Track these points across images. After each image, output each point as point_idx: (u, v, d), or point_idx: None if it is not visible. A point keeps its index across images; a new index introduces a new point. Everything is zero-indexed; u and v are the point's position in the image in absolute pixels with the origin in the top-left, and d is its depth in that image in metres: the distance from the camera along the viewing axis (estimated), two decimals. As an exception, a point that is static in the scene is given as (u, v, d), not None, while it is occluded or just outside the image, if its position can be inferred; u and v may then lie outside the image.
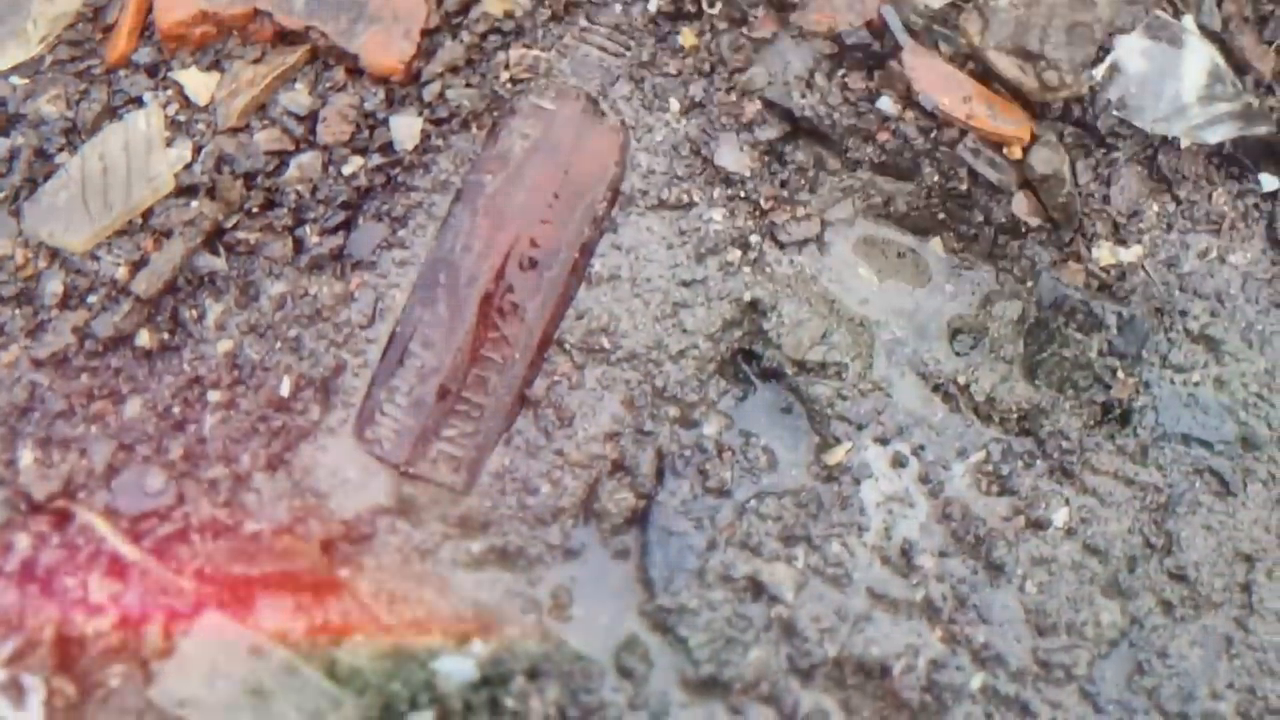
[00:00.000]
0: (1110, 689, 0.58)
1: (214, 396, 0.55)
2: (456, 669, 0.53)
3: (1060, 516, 0.59)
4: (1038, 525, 0.59)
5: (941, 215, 0.61)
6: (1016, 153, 0.57)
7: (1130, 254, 0.59)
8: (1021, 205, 0.58)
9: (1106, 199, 0.59)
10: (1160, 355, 0.60)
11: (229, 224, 0.56)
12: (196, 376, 0.55)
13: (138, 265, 0.55)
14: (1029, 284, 0.60)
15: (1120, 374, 0.58)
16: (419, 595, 0.55)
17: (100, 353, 0.55)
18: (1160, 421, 0.60)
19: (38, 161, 0.57)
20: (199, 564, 0.52)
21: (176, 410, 0.55)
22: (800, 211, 0.61)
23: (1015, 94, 0.58)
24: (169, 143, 0.57)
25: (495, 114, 0.58)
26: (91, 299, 0.55)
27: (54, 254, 0.55)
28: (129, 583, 0.52)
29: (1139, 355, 0.59)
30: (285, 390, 0.55)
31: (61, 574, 0.51)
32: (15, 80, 0.59)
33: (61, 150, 0.58)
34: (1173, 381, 0.60)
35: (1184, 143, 0.59)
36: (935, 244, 0.62)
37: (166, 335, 0.56)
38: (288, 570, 0.51)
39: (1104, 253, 0.58)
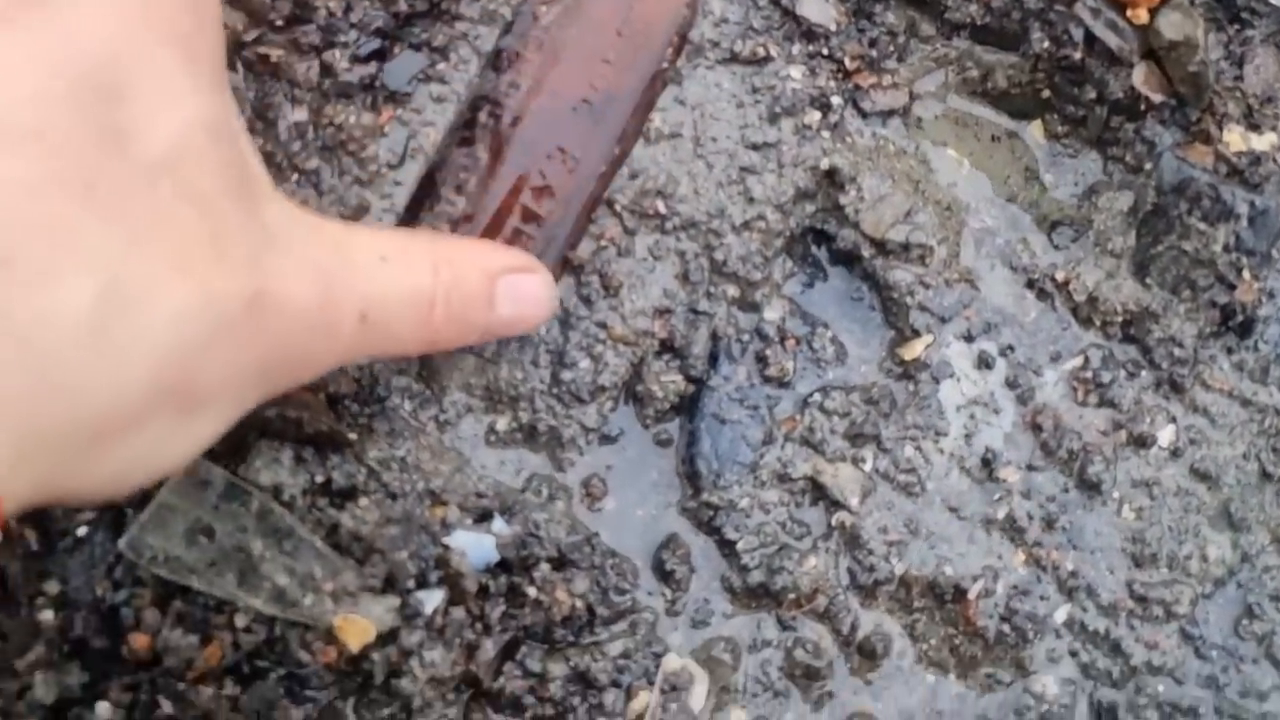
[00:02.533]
0: (1214, 632, 0.50)
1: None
2: (474, 547, 0.45)
3: (1166, 435, 0.51)
4: (1140, 443, 0.51)
5: (1046, 93, 0.53)
6: (1142, 16, 0.49)
7: (1263, 142, 0.51)
8: (1143, 78, 0.50)
9: (1239, 79, 0.51)
10: (1289, 261, 0.52)
11: (249, 37, 0.49)
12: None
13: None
14: (1146, 168, 0.52)
15: (1246, 274, 0.50)
16: (434, 468, 0.47)
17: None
18: (1285, 336, 0.52)
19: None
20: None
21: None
22: (887, 80, 0.53)
23: (1144, -50, 0.50)
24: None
25: (555, -62, 0.51)
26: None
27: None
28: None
29: (1268, 255, 0.51)
30: (299, 224, 0.48)
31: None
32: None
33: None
34: (1301, 292, 0.52)
35: (1328, 23, 0.52)
36: (1034, 128, 0.54)
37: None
38: (289, 418, 0.44)
39: (1235, 137, 0.50)
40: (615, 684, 0.46)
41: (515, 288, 0.41)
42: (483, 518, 0.46)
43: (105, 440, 0.29)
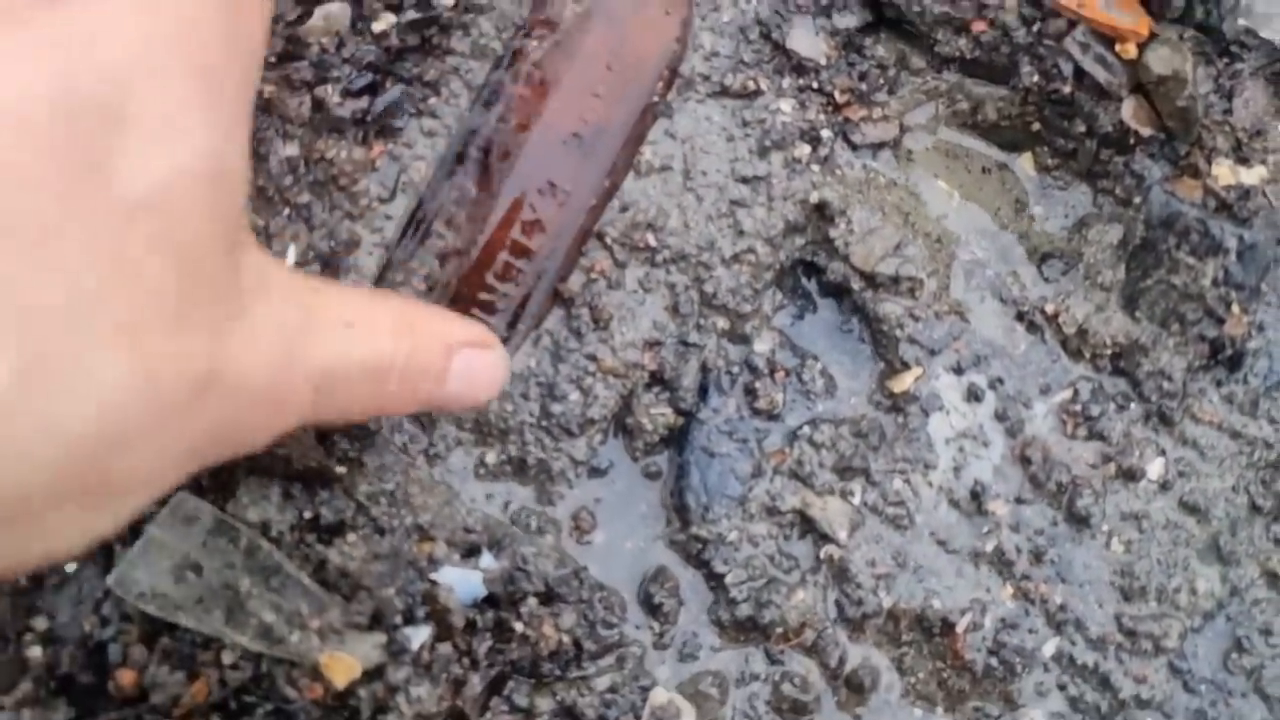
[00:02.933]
0: (1203, 666, 0.50)
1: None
2: (461, 583, 0.45)
3: (1155, 468, 0.51)
4: (1129, 476, 0.51)
5: (1036, 126, 0.53)
6: (1131, 51, 0.49)
7: (1252, 176, 0.51)
8: (1132, 111, 0.50)
9: (1228, 112, 0.51)
10: (1279, 295, 0.52)
11: (241, 73, 0.49)
12: (192, 239, 0.48)
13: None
14: (1135, 201, 0.52)
15: (1235, 308, 0.50)
16: (423, 502, 0.47)
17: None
18: (1275, 369, 0.51)
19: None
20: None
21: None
22: (877, 113, 0.53)
23: (1132, -16, 0.50)
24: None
25: (546, -27, 0.51)
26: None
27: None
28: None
29: (1257, 289, 0.50)
30: (291, 259, 0.48)
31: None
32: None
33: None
34: (1290, 325, 0.52)
35: (1317, 57, 0.51)
36: (1025, 161, 0.54)
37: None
38: (277, 455, 0.44)
39: (1224, 171, 0.50)
40: (602, 719, 0.46)
41: (470, 365, 0.40)
42: (470, 553, 0.46)
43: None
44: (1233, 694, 0.49)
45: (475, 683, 0.44)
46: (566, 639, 0.46)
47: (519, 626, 0.45)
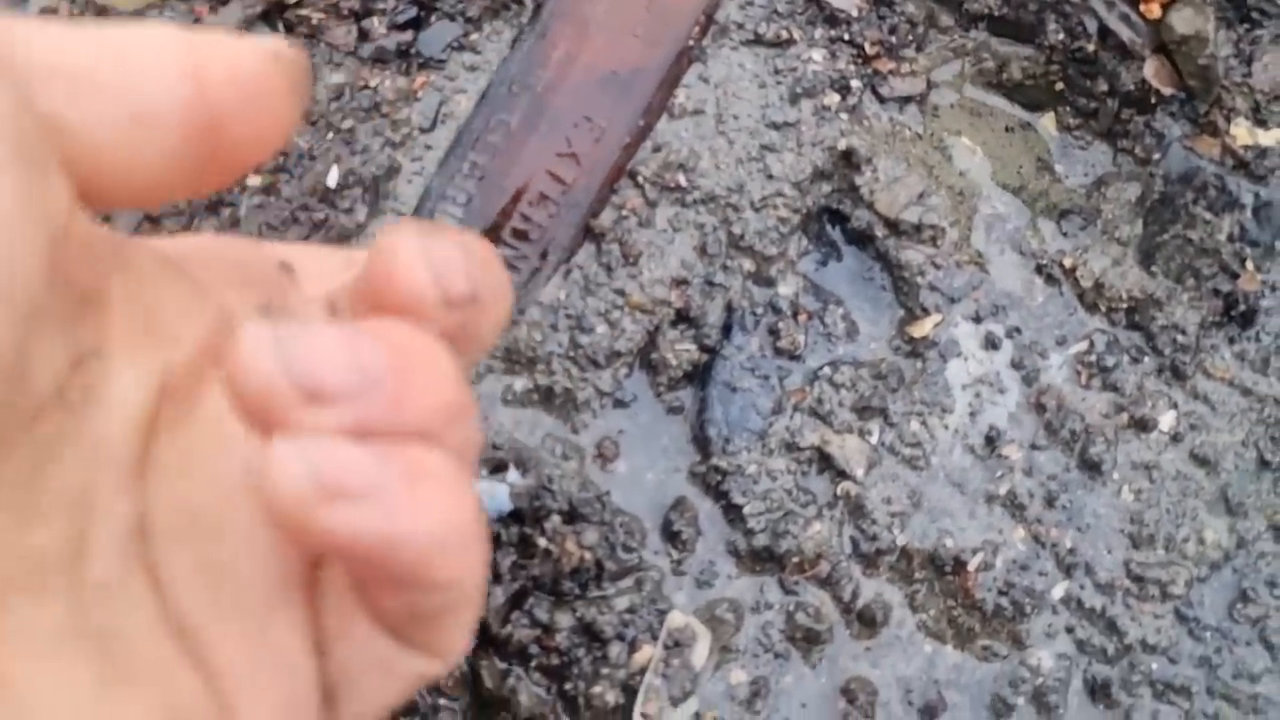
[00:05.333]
0: (1209, 614, 0.50)
1: (253, 180, 0.49)
2: (489, 495, 0.46)
3: (1167, 420, 0.52)
4: (1141, 426, 0.51)
5: (1059, 85, 0.54)
6: (1155, 11, 0.50)
7: (1270, 137, 0.51)
8: (1154, 71, 0.51)
9: (1247, 76, 0.52)
10: (1292, 256, 0.52)
11: (292, 0, 0.50)
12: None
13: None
14: (1154, 159, 0.53)
15: (1250, 265, 0.51)
16: (453, 422, 0.48)
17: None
18: (1286, 328, 0.52)
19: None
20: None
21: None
22: (905, 67, 0.54)
23: (1159, -53, 0.51)
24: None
25: (589, -83, 0.52)
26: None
27: (102, 12, 0.50)
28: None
29: (1272, 247, 0.51)
30: (332, 181, 0.49)
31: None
32: None
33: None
34: (1303, 287, 0.53)
35: (1337, 27, 0.52)
36: (1047, 120, 0.55)
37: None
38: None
39: (1242, 131, 0.51)
40: (620, 637, 0.46)
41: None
42: (498, 469, 0.47)
43: None
44: (1237, 642, 0.50)
45: (498, 594, 0.45)
46: (588, 557, 0.46)
47: (542, 542, 0.46)
